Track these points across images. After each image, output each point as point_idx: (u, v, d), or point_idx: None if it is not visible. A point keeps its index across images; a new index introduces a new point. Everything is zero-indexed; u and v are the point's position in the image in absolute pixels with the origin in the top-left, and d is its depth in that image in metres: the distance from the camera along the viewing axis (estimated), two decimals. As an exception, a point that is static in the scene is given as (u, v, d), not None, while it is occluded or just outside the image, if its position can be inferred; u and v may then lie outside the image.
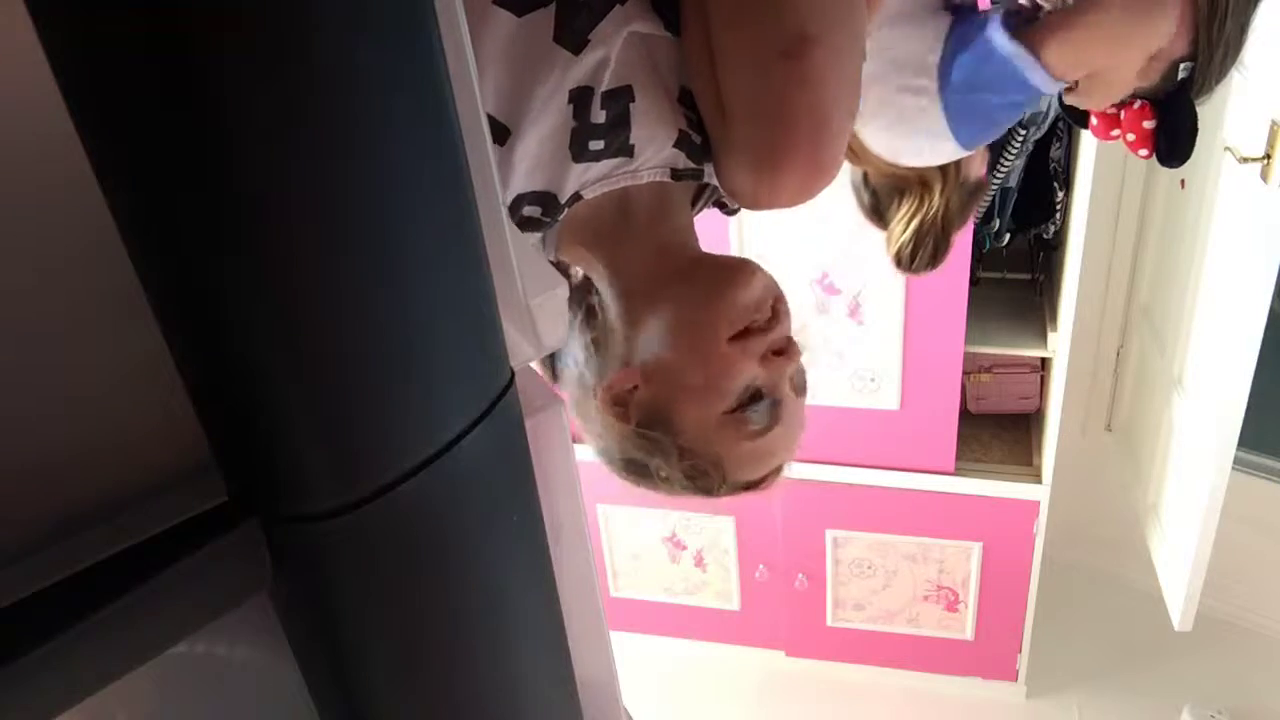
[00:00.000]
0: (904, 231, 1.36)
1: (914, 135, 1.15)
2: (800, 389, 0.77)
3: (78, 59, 0.26)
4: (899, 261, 1.39)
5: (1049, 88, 1.03)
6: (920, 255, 1.35)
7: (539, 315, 0.44)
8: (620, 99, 0.72)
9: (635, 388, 0.74)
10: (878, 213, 1.42)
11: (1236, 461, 2.04)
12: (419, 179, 0.30)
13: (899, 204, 1.37)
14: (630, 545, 2.95)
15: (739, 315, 0.72)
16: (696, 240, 0.80)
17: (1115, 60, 1.03)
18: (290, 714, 0.44)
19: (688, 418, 0.73)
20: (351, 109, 0.28)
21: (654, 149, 0.74)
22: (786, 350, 0.74)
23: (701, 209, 0.84)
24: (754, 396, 0.73)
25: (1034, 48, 1.00)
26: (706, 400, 0.73)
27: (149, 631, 0.33)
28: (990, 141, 1.19)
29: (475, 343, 0.35)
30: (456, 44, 0.38)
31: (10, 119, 0.30)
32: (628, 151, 0.74)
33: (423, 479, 0.34)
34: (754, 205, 0.77)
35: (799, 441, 0.79)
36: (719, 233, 2.20)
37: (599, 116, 0.72)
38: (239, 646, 0.41)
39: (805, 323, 0.78)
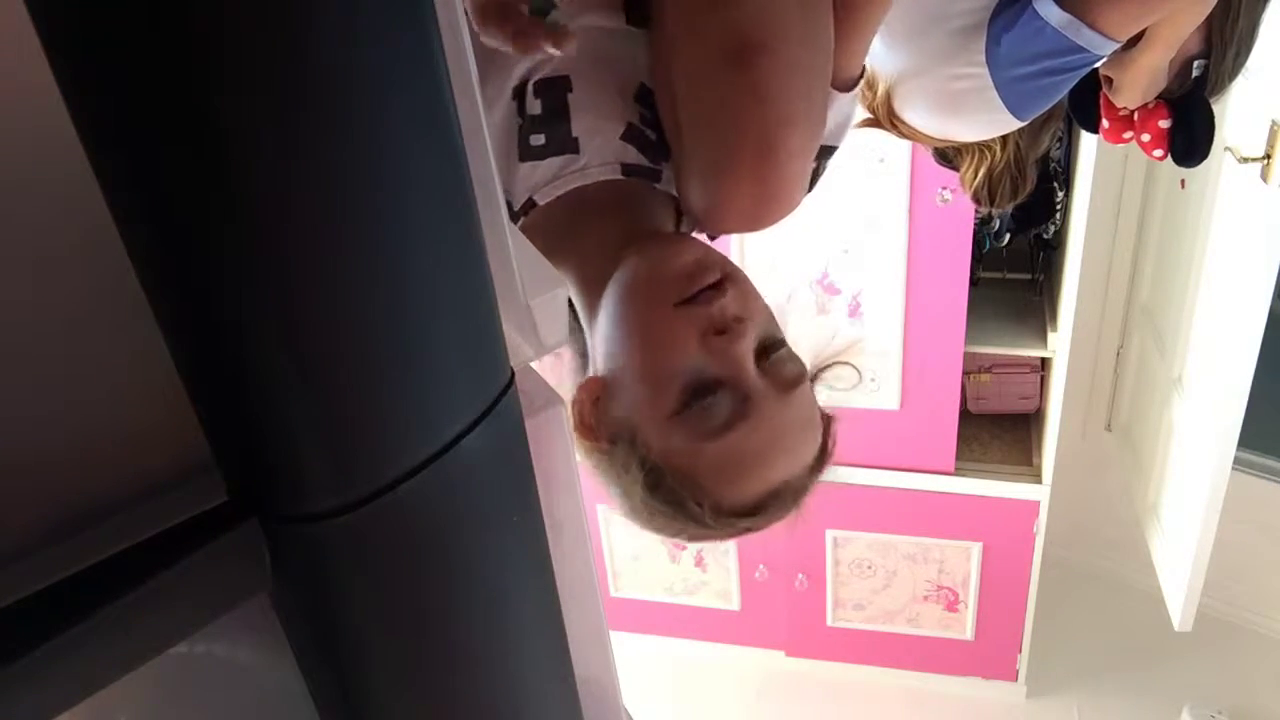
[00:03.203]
0: (975, 177, 1.33)
1: (967, 116, 1.14)
2: (786, 384, 0.64)
3: (78, 63, 0.26)
4: (978, 202, 1.36)
5: (1104, 50, 1.01)
6: (1000, 194, 1.32)
7: (539, 315, 0.44)
8: (555, 88, 0.69)
9: (598, 399, 0.66)
10: (945, 158, 1.40)
11: (1236, 461, 2.04)
12: (418, 178, 0.31)
13: (961, 154, 1.36)
14: (630, 545, 2.95)
15: (670, 282, 0.64)
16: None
17: (1169, 5, 1.00)
18: (290, 714, 0.44)
19: (644, 422, 0.64)
20: (351, 109, 0.28)
21: (600, 141, 0.71)
22: (728, 330, 0.62)
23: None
24: (705, 388, 0.62)
25: (1083, 13, 0.99)
26: (654, 393, 0.63)
27: (149, 631, 0.33)
28: (1048, 109, 1.16)
29: (475, 343, 0.35)
30: (456, 44, 0.38)
31: (10, 119, 0.30)
32: (572, 147, 0.70)
33: (423, 479, 0.34)
34: (705, 225, 0.71)
35: (798, 451, 0.66)
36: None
37: (534, 107, 0.69)
38: (239, 646, 0.41)
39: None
